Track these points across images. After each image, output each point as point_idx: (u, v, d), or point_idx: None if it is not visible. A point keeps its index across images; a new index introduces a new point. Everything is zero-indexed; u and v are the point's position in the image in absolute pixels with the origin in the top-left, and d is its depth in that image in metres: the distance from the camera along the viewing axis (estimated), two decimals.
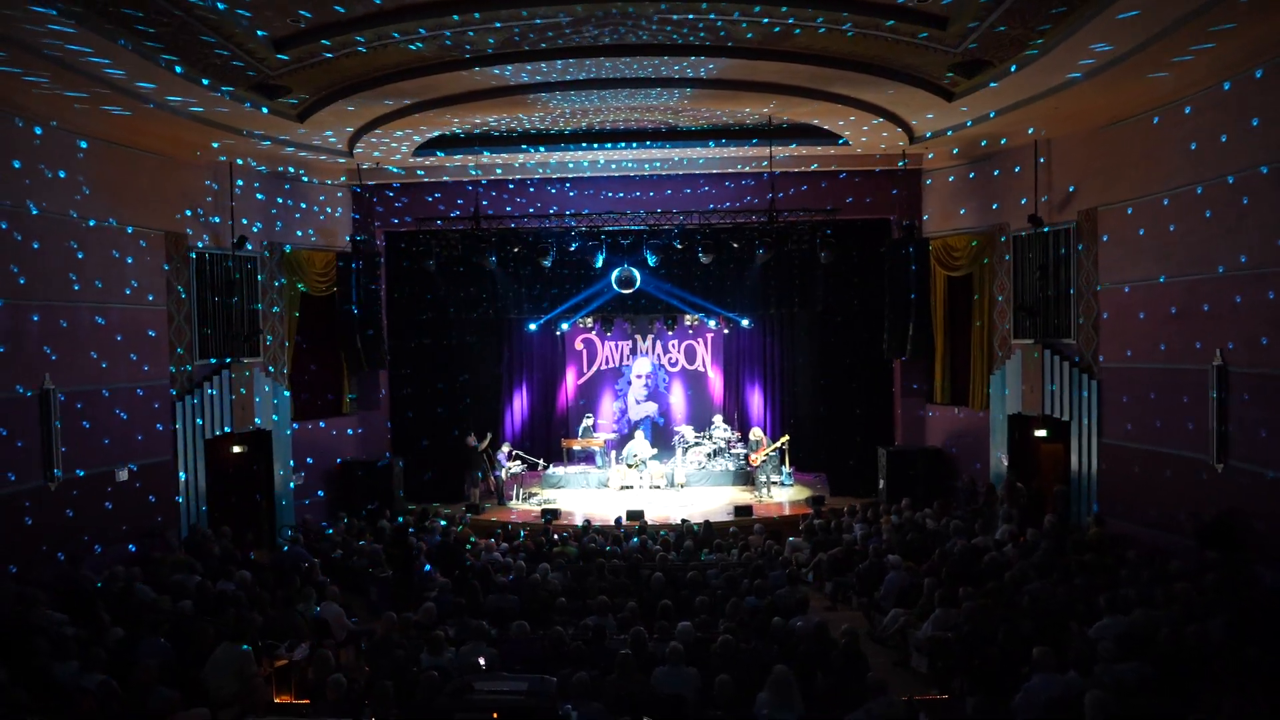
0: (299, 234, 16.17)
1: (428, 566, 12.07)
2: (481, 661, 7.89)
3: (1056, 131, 13.59)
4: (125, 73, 10.03)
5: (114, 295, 12.56)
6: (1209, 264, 10.87)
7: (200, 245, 14.18)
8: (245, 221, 14.90)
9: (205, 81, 10.73)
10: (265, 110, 11.98)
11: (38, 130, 11.28)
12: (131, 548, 12.33)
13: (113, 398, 12.49)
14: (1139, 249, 12.23)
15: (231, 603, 9.80)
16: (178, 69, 10.21)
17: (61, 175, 11.67)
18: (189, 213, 14.03)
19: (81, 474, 11.83)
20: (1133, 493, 12.39)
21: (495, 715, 4.68)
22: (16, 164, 11.01)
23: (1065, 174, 13.72)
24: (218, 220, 14.49)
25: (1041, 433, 14.47)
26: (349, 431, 17.32)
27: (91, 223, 12.15)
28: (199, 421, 14.00)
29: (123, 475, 12.60)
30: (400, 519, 14.91)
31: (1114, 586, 9.17)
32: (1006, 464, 14.93)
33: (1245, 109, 10.16)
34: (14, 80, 9.92)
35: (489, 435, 17.66)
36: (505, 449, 17.58)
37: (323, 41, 10.07)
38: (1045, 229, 13.97)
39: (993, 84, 11.38)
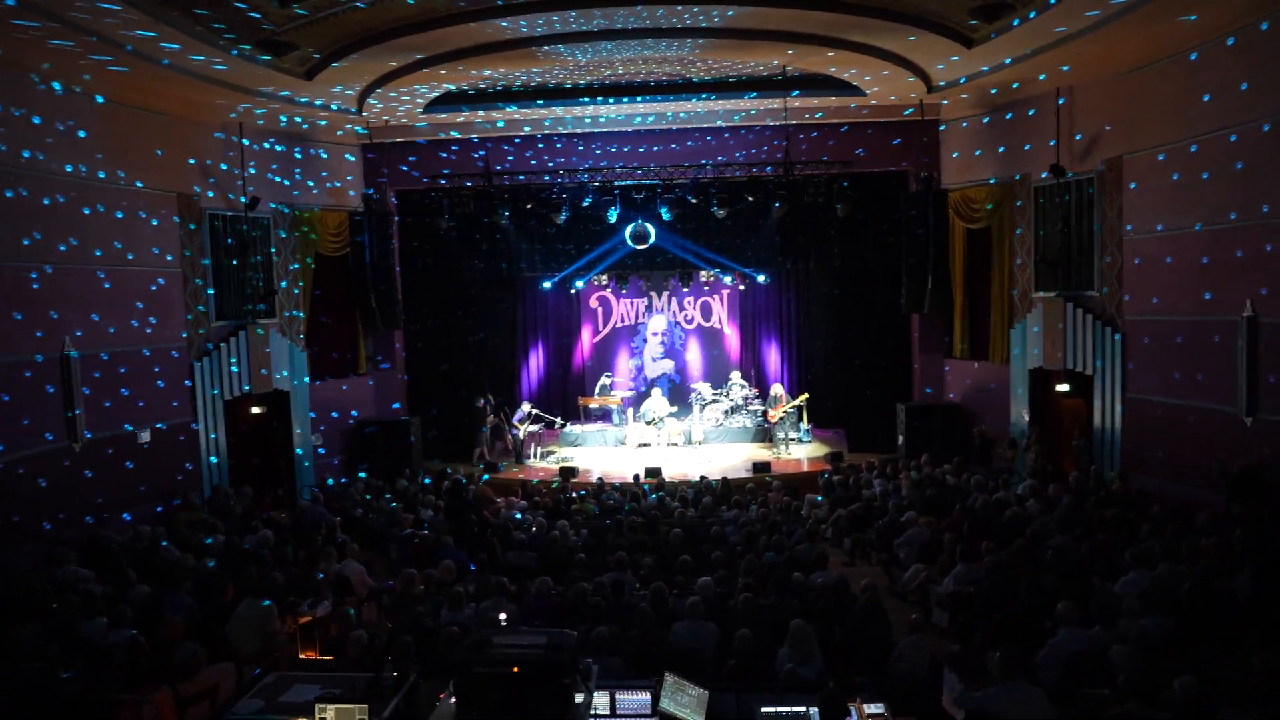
0: (311, 194, 16.08)
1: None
2: (502, 617, 7.93)
3: (1080, 77, 13.24)
4: (133, 30, 9.89)
5: (129, 258, 12.56)
6: (1239, 212, 10.62)
7: (213, 207, 14.12)
8: (256, 183, 14.80)
9: (211, 38, 10.58)
10: (273, 61, 11.81)
11: (56, 87, 11.23)
12: (149, 510, 12.44)
13: (131, 360, 12.54)
14: (1166, 197, 11.96)
15: (253, 561, 9.90)
16: (183, 23, 10.06)
17: (80, 135, 11.65)
18: (201, 175, 13.96)
19: (104, 435, 11.93)
20: (1157, 447, 12.25)
21: (515, 669, 4.66)
22: (36, 119, 10.98)
23: (1089, 121, 13.40)
24: (230, 182, 14.41)
25: (1063, 387, 14.30)
26: (365, 391, 17.37)
27: (105, 186, 12.11)
28: (217, 384, 14.05)
29: (145, 437, 12.69)
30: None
31: (1138, 542, 9.10)
32: (1028, 419, 14.80)
33: None
34: (29, 41, 9.81)
35: (490, 398, 17.64)
36: (525, 407, 17.58)
37: None
38: (1068, 177, 13.67)
39: (1015, 24, 11.02)
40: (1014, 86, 14.04)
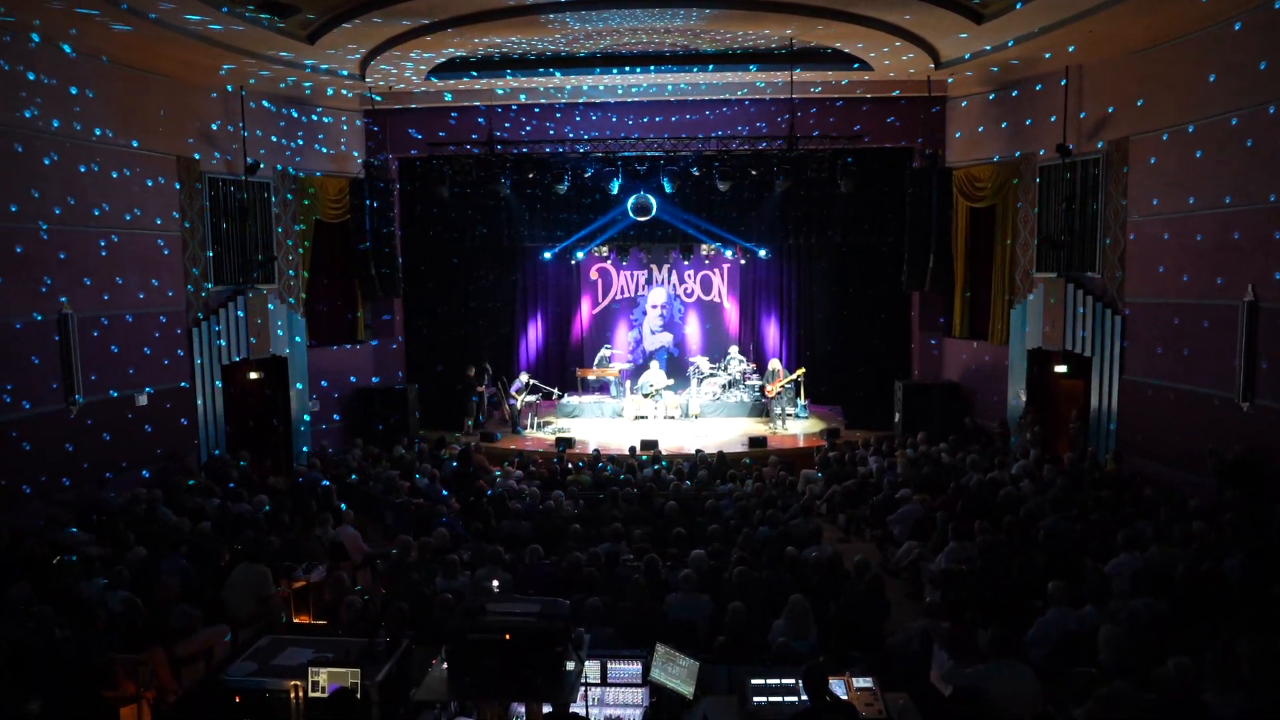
0: (312, 160, 15.98)
1: (444, 492, 12.18)
2: (495, 585, 7.97)
3: (1089, 56, 13.12)
4: None
5: (128, 219, 12.49)
6: (1245, 196, 10.56)
7: (213, 171, 14.04)
8: (257, 148, 14.70)
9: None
10: (275, 21, 11.67)
11: (65, 48, 11.13)
12: (145, 474, 12.47)
13: (129, 323, 12.52)
14: (1171, 179, 11.89)
15: (249, 525, 9.94)
16: None
17: (77, 94, 11.54)
18: (201, 138, 13.86)
19: (101, 398, 11.93)
20: (1153, 430, 12.27)
21: (507, 636, 4.69)
22: (32, 76, 10.89)
23: (1097, 101, 13.30)
24: (230, 146, 14.31)
25: (1062, 368, 14.31)
26: (364, 358, 17.37)
27: (104, 146, 12.03)
28: (219, 344, 14.04)
29: (142, 400, 12.70)
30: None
31: (1131, 523, 9.14)
32: (1025, 400, 14.81)
33: None
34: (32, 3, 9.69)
35: (488, 368, 17.65)
36: (523, 378, 17.58)
37: None
38: (1073, 158, 13.57)
39: (1026, 2, 10.91)
40: (1022, 64, 13.92)
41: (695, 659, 5.96)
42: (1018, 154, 15.02)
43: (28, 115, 10.84)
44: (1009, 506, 10.27)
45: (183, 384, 13.53)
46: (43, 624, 6.72)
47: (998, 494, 10.87)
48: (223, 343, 14.14)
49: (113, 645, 6.91)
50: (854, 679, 5.84)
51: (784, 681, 5.70)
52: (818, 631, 7.16)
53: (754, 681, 5.72)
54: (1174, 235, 11.86)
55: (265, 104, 15.07)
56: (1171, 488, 10.84)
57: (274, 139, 15.25)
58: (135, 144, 12.61)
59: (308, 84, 14.88)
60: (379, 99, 16.17)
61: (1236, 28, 10.53)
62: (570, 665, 5.05)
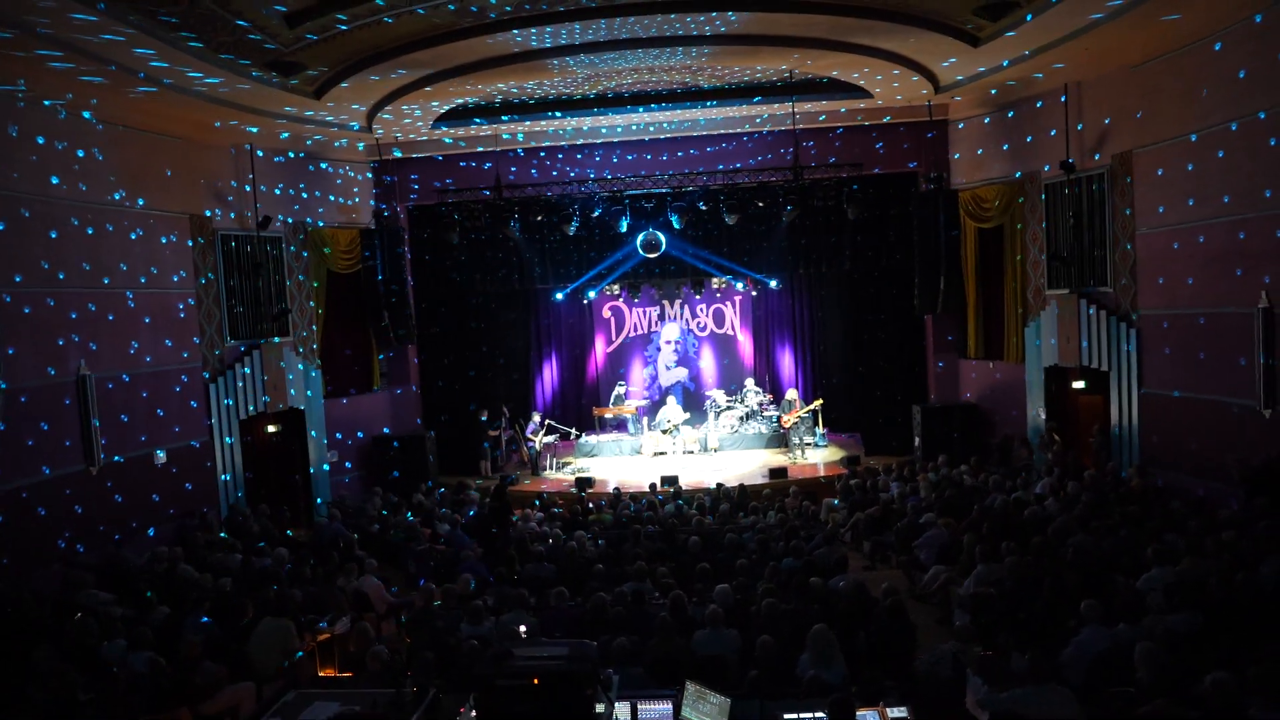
0: (322, 212, 16.17)
1: (466, 539, 12.13)
2: (522, 629, 7.90)
3: (1087, 73, 13.18)
4: (141, 53, 9.97)
5: (142, 279, 12.65)
6: (1253, 203, 10.53)
7: (225, 227, 14.22)
8: (268, 203, 14.89)
9: (220, 60, 10.67)
10: (282, 79, 11.87)
11: (62, 115, 11.33)
12: (165, 530, 12.49)
13: (146, 381, 12.62)
14: (1178, 191, 11.87)
15: (272, 579, 9.91)
16: (191, 47, 10.15)
17: (81, 156, 11.73)
18: (212, 195, 14.06)
19: (121, 458, 11.99)
20: (1176, 442, 12.13)
21: (536, 680, 4.63)
22: (45, 142, 11.09)
23: (1098, 116, 13.33)
24: (241, 202, 14.51)
25: (1079, 384, 14.20)
26: (380, 406, 17.42)
27: (118, 209, 12.22)
28: (231, 402, 14.11)
29: (161, 457, 12.75)
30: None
31: (1160, 537, 9.00)
32: (1044, 417, 14.69)
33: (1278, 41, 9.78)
34: (36, 65, 9.89)
35: (505, 411, 17.68)
36: (536, 419, 17.59)
37: (337, 16, 9.96)
38: (1078, 173, 13.57)
39: (1028, 17, 10.93)
40: (1020, 84, 13.99)
41: (726, 696, 5.87)
42: (1021, 173, 15.04)
43: (41, 180, 11.02)
44: (1036, 526, 10.15)
45: (200, 441, 13.58)
46: (67, 687, 6.69)
47: (1023, 514, 10.75)
48: (236, 400, 14.20)
49: (138, 707, 6.86)
50: (888, 709, 5.74)
51: (817, 715, 5.61)
52: (847, 661, 7.05)
53: (787, 717, 5.64)
54: (1184, 245, 11.81)
55: (275, 160, 15.29)
56: (1199, 499, 10.69)
57: (284, 193, 15.46)
58: (152, 209, 12.79)
59: (316, 138, 15.11)
60: (374, 147, 16.38)
61: (1225, 41, 10.55)
62: (600, 708, 4.98)
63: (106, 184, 12.05)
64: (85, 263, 11.65)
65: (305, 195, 15.88)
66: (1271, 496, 9.56)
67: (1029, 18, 10.79)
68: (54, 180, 11.18)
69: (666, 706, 5.70)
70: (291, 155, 15.57)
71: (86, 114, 11.66)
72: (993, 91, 14.43)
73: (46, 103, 11.04)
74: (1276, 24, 9.86)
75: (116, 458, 11.92)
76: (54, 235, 11.17)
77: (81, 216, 11.61)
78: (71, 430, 11.31)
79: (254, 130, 13.83)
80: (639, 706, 5.69)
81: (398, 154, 16.77)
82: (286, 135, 14.65)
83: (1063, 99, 13.71)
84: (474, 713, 4.93)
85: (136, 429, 12.36)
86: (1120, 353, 13.06)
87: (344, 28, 10.47)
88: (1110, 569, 8.51)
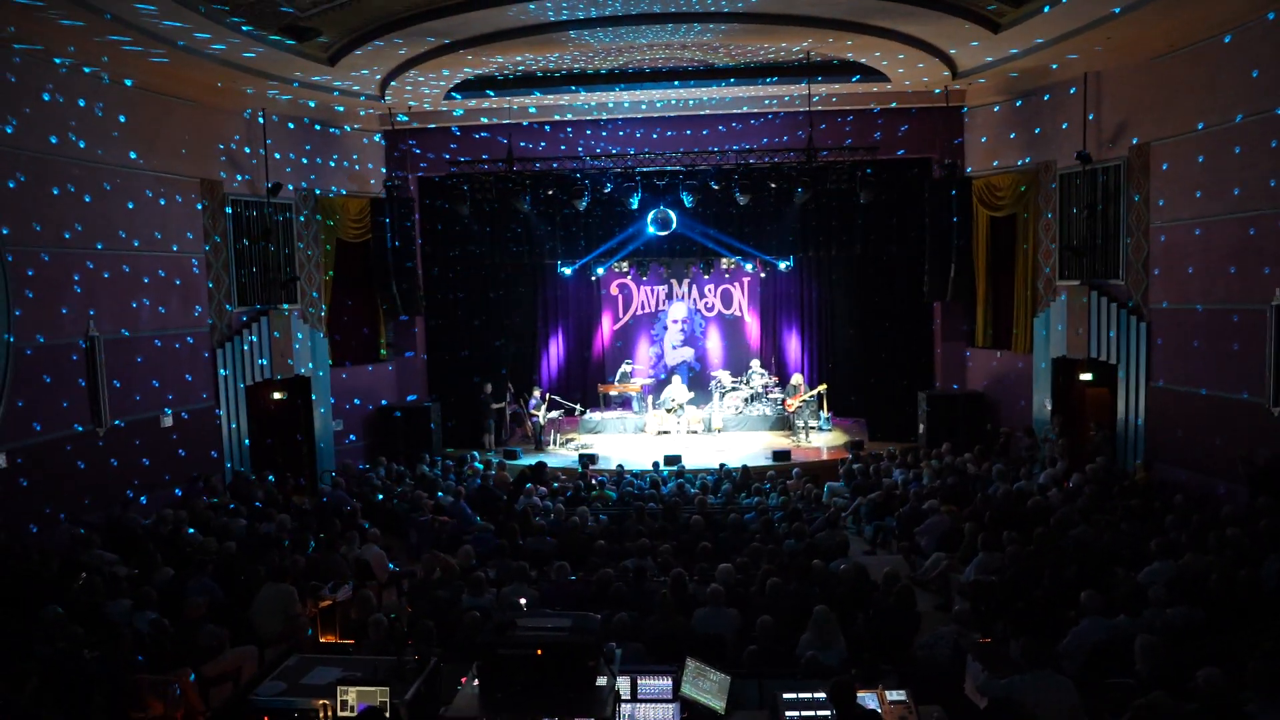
0: (333, 180, 16.12)
1: (469, 510, 12.18)
2: (523, 602, 7.95)
3: (1107, 63, 13.05)
4: (157, 11, 9.91)
5: (153, 242, 12.65)
6: (1270, 199, 10.44)
7: (236, 193, 14.19)
8: (279, 169, 14.85)
9: (235, 24, 10.61)
10: (296, 45, 11.80)
11: (85, 70, 11.28)
12: (177, 491, 12.55)
13: (154, 345, 12.64)
14: (1195, 185, 11.78)
15: (275, 545, 9.97)
16: (206, 9, 10.08)
17: (104, 119, 11.70)
18: (224, 160, 14.02)
19: (127, 420, 12.03)
20: (1182, 437, 12.11)
21: (539, 651, 4.66)
22: (61, 100, 11.07)
23: (1116, 106, 13.21)
24: (252, 168, 14.47)
25: (1087, 376, 14.16)
26: (386, 377, 17.44)
27: (129, 170, 12.19)
28: (236, 370, 14.13)
29: (167, 421, 12.80)
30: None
31: (1162, 531, 9.01)
32: (1050, 409, 14.66)
33: None
34: (50, 25, 9.85)
35: (510, 387, 17.67)
36: (537, 394, 17.60)
37: None
38: (1094, 164, 13.47)
39: (1047, 8, 10.85)
40: (1039, 72, 13.88)
41: (725, 673, 5.91)
42: (1035, 161, 14.93)
43: (53, 140, 11.00)
44: (1038, 516, 10.16)
45: (207, 404, 13.63)
46: (72, 645, 6.75)
47: (1025, 504, 10.75)
48: (242, 366, 14.22)
49: (140, 666, 6.92)
50: (887, 692, 5.77)
51: (816, 695, 5.64)
52: (846, 644, 7.09)
53: (786, 696, 5.66)
54: (1198, 240, 11.74)
55: (287, 127, 15.23)
56: (1202, 494, 10.68)
57: (295, 160, 15.41)
58: (163, 173, 12.76)
59: (329, 105, 15.03)
60: (404, 118, 16.32)
61: (1257, 29, 10.43)
62: (602, 680, 5.01)
63: (118, 145, 12.02)
64: (96, 225, 11.64)
65: (317, 163, 15.83)
66: (1276, 495, 9.55)
67: (1048, 7, 10.68)
68: (64, 139, 11.16)
69: (667, 682, 5.74)
70: (303, 122, 15.50)
71: (100, 74, 11.60)
72: (1011, 77, 14.30)
73: (58, 61, 10.99)
74: None
75: (118, 421, 11.92)
76: (65, 192, 11.15)
77: (92, 177, 11.59)
78: (79, 391, 11.34)
79: (270, 94, 13.78)
80: (639, 681, 5.73)
81: (409, 122, 16.68)
82: (300, 102, 14.58)
83: (1080, 89, 13.57)
84: (476, 681, 4.97)
85: (143, 391, 12.40)
86: (1129, 346, 13.01)
87: None
88: (1111, 561, 8.52)
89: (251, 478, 13.62)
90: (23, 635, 6.95)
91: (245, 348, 14.26)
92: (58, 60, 10.98)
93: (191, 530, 10.55)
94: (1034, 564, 8.59)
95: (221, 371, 13.85)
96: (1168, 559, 8.19)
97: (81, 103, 11.39)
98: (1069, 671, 6.55)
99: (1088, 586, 7.41)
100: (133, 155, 12.26)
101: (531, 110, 16.64)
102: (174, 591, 8.45)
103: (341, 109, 15.44)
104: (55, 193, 11.03)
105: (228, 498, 12.40)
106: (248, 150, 14.44)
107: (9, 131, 10.37)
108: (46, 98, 10.89)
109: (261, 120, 14.54)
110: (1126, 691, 5.93)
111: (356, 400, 16.76)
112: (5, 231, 10.31)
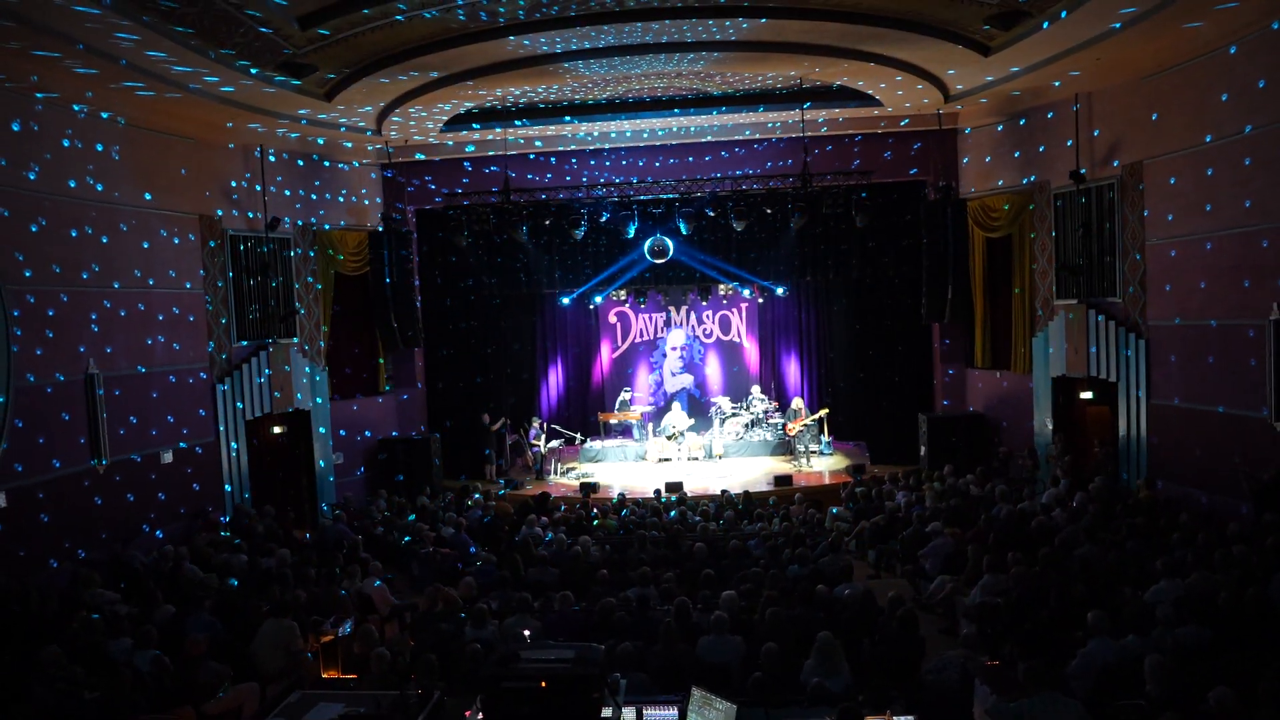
0: (331, 214, 16.20)
1: (470, 542, 12.12)
2: (526, 633, 7.88)
3: (1098, 83, 13.16)
4: (153, 54, 10.01)
5: (151, 279, 12.67)
6: (1265, 214, 10.49)
7: (234, 228, 14.25)
8: (277, 204, 14.92)
9: (232, 61, 10.70)
10: (293, 81, 11.88)
11: (76, 109, 11.35)
12: (172, 530, 12.50)
13: (154, 381, 12.63)
14: (1188, 201, 11.84)
15: (276, 580, 9.91)
16: (204, 48, 10.18)
17: (98, 149, 11.76)
18: (222, 196, 14.09)
19: (127, 458, 12.00)
20: (1184, 454, 12.07)
21: (544, 683, 4.62)
22: (60, 141, 11.09)
23: (1109, 125, 13.31)
24: (251, 203, 14.55)
25: (1087, 395, 14.16)
26: (386, 409, 17.42)
27: (128, 208, 12.25)
28: (239, 404, 14.12)
29: (168, 458, 12.76)
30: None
31: (1167, 550, 8.95)
32: (1051, 428, 14.64)
33: None
34: (49, 66, 9.93)
35: (503, 418, 17.65)
36: (536, 424, 17.57)
37: (364, 10, 9.98)
38: (1088, 184, 13.55)
39: (1042, 27, 10.91)
40: (1031, 94, 13.99)
41: (731, 702, 5.84)
42: (1029, 181, 15.02)
43: (53, 178, 11.04)
44: (1042, 537, 10.11)
45: (208, 440, 13.59)
46: (73, 685, 6.69)
47: (1029, 525, 10.70)
48: (243, 401, 14.21)
49: (142, 705, 6.85)
50: (895, 717, 5.72)
51: None
52: (852, 669, 7.02)
53: None
54: (1194, 256, 11.78)
55: (285, 161, 15.33)
56: (1207, 511, 10.63)
57: (293, 195, 15.49)
58: (162, 210, 12.82)
59: (328, 140, 15.14)
60: (383, 149, 16.41)
61: (1267, 30, 10.50)
62: (608, 711, 4.96)
63: (117, 183, 12.08)
64: (96, 262, 11.67)
65: (314, 197, 15.92)
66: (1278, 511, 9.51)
67: (1045, 25, 10.75)
68: (63, 179, 11.21)
69: (672, 712, 5.69)
70: (301, 157, 15.60)
71: (99, 112, 11.67)
72: (1004, 98, 14.41)
73: (54, 95, 11.06)
74: None
75: (123, 457, 11.90)
76: (65, 230, 11.20)
77: (92, 215, 11.63)
78: (80, 428, 11.32)
79: (267, 130, 13.86)
80: (645, 711, 5.68)
81: (408, 154, 16.78)
82: (296, 138, 14.68)
83: (1074, 108, 13.69)
84: (480, 714, 4.92)
85: (144, 428, 12.37)
86: (1128, 363, 13.02)
87: (359, 30, 10.49)
88: (1117, 581, 8.47)
89: (252, 512, 13.57)
90: (22, 676, 6.88)
91: (245, 382, 14.26)
92: (55, 95, 11.06)
93: (190, 565, 10.48)
94: (1040, 585, 8.53)
95: (221, 406, 13.82)
96: (1175, 578, 8.13)
97: (80, 144, 11.46)
98: (1079, 694, 6.48)
99: (1094, 606, 7.36)
100: (130, 193, 12.30)
101: (527, 142, 16.75)
102: (175, 629, 8.39)
103: (340, 143, 15.54)
104: (52, 229, 11.06)
105: (228, 531, 12.34)
106: (246, 186, 14.51)
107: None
108: (43, 132, 10.95)
109: (259, 155, 14.63)
110: (1138, 713, 5.87)
111: (357, 433, 16.73)
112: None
